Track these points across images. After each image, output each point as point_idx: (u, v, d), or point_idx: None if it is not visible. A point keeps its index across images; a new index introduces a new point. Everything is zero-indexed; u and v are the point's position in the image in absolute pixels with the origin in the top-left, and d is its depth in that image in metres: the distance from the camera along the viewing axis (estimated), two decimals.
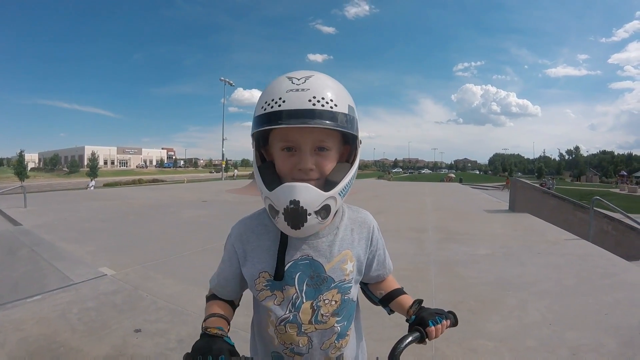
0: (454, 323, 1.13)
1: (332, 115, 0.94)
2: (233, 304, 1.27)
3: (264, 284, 1.10)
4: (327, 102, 0.94)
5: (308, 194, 0.95)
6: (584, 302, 4.44)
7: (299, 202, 0.94)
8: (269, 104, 0.96)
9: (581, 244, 7.61)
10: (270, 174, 1.05)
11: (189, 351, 0.95)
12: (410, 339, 1.03)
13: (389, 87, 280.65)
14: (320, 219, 0.98)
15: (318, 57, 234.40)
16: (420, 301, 1.17)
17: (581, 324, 3.86)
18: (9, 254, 6.17)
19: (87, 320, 3.63)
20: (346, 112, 0.98)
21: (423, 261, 6.12)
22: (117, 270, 5.16)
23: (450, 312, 1.14)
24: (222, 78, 49.86)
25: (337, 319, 1.11)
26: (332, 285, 1.10)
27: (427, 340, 1.05)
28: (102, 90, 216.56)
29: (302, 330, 1.08)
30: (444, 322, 1.08)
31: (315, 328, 1.09)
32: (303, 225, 0.96)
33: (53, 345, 3.13)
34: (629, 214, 9.03)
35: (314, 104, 0.93)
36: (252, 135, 1.06)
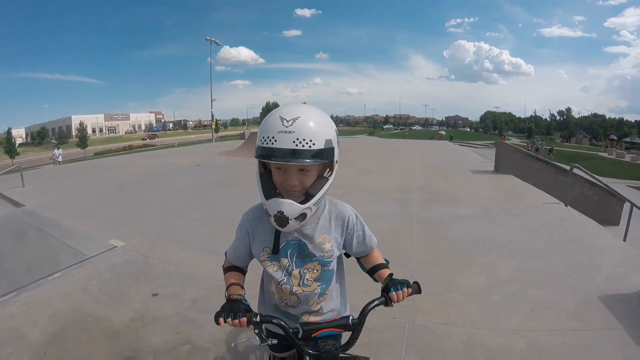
0: (417, 291, 1.56)
1: (310, 153, 1.33)
2: (244, 272, 1.75)
3: (266, 256, 1.59)
4: (307, 143, 1.32)
5: (290, 207, 1.39)
6: (550, 264, 4.80)
7: (283, 212, 1.39)
8: (264, 140, 1.35)
9: (558, 208, 7.88)
10: (268, 182, 1.48)
11: (218, 310, 1.44)
12: (376, 302, 1.50)
13: (379, 43, 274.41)
14: (298, 221, 1.44)
15: (306, 12, 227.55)
16: (391, 274, 1.62)
17: (544, 283, 4.23)
18: (19, 235, 6.49)
19: (108, 290, 4.05)
20: (322, 147, 1.36)
21: (407, 221, 6.55)
22: (126, 242, 5.50)
23: (415, 282, 1.57)
24: (208, 38, 49.08)
25: (318, 283, 1.60)
26: (314, 259, 1.57)
27: (392, 303, 1.51)
28: (84, 58, 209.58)
29: (293, 291, 1.58)
30: (405, 289, 1.51)
31: (302, 290, 1.58)
32: (286, 226, 1.44)
33: (81, 317, 3.54)
34: (612, 179, 9.32)
35: (296, 145, 1.31)
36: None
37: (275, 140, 1.32)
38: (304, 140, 1.32)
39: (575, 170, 8.74)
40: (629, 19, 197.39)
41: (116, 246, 5.36)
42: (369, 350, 2.93)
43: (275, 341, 1.45)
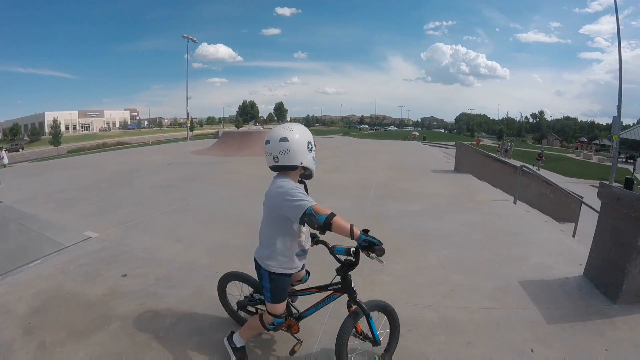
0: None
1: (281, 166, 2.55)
2: None
3: None
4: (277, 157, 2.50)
5: None
6: (481, 254, 5.24)
7: None
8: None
9: (506, 204, 8.38)
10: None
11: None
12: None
13: (359, 43, 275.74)
14: None
15: (286, 11, 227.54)
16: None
17: (469, 269, 4.68)
18: None
19: (83, 272, 4.60)
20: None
21: (358, 215, 7.05)
22: (99, 233, 6.00)
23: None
24: (185, 35, 48.79)
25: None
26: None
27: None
28: (59, 52, 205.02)
29: (306, 241, 2.78)
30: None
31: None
32: None
33: (61, 293, 4.08)
34: (578, 179, 9.89)
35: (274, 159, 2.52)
36: None
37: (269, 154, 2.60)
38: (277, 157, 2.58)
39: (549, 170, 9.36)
40: (604, 26, 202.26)
41: (91, 237, 5.85)
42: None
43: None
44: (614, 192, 4.23)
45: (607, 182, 5.33)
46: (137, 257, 5.07)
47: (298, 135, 2.51)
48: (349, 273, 2.67)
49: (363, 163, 15.64)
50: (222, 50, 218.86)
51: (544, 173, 27.70)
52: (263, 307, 2.96)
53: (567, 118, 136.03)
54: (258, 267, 2.79)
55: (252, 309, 3.29)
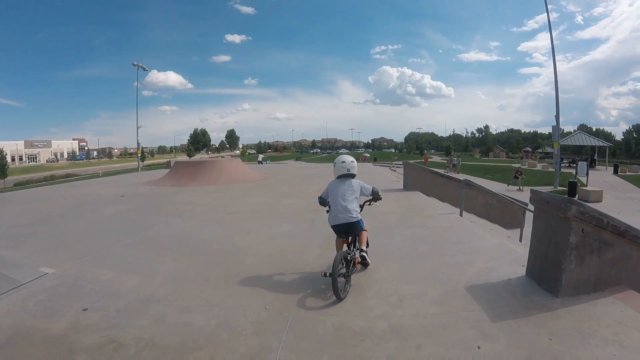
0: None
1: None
2: None
3: None
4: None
5: None
6: (428, 264, 5.63)
7: None
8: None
9: (452, 217, 8.88)
10: None
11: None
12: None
13: (307, 68, 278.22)
14: None
15: (236, 38, 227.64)
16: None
17: (417, 280, 5.07)
18: None
19: (43, 308, 4.70)
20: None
21: (310, 236, 7.43)
22: (55, 268, 6.03)
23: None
24: (135, 63, 48.23)
25: None
26: None
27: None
28: (3, 78, 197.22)
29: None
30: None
31: None
32: None
33: (23, 329, 4.16)
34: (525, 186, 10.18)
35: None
36: None
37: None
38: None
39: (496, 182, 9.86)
40: (541, 42, 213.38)
41: (47, 272, 5.88)
42: (256, 337, 3.84)
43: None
44: (543, 197, 4.84)
45: (537, 189, 5.80)
46: (95, 290, 5.20)
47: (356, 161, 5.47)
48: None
49: (314, 187, 15.74)
50: (172, 78, 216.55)
51: (490, 184, 29.11)
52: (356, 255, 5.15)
53: (511, 130, 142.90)
54: (350, 224, 5.11)
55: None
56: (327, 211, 5.44)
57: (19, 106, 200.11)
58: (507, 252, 6.17)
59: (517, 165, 43.23)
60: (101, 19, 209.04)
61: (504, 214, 11.52)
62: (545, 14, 33.11)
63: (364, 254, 5.14)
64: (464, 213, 9.69)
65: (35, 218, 10.69)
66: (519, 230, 9.02)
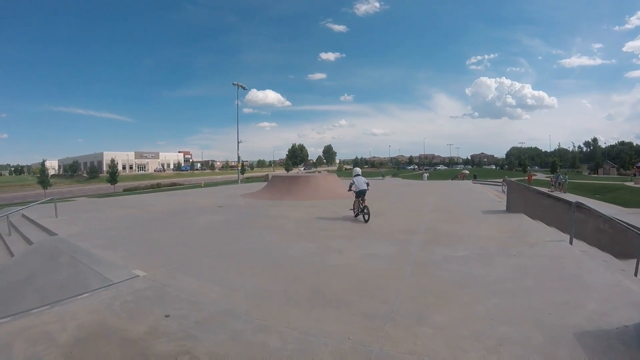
0: None
1: None
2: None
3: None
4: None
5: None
6: (532, 302, 4.90)
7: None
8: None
9: (561, 245, 7.85)
10: None
11: None
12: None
13: (401, 82, 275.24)
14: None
15: (330, 56, 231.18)
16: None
17: (519, 320, 4.38)
18: (52, 260, 7.25)
19: (128, 309, 4.72)
20: None
21: (402, 262, 6.79)
22: (147, 272, 6.16)
23: None
24: (235, 82, 50.35)
25: None
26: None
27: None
28: (116, 96, 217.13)
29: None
30: None
31: None
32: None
33: (104, 327, 4.21)
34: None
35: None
36: None
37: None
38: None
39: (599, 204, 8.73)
40: None
41: (138, 275, 6.02)
42: None
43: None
44: None
45: None
46: (180, 298, 5.15)
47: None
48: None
49: (409, 206, 15.45)
50: (270, 96, 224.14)
51: (601, 205, 25.15)
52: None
53: (621, 143, 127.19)
54: (366, 191, 11.50)
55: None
56: (351, 190, 11.62)
57: (130, 121, 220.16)
58: (623, 291, 5.28)
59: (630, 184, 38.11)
60: (200, 44, 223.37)
61: (617, 242, 10.11)
62: None
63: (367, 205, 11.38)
64: (574, 240, 8.60)
65: (136, 222, 11.35)
66: (634, 261, 7.71)
